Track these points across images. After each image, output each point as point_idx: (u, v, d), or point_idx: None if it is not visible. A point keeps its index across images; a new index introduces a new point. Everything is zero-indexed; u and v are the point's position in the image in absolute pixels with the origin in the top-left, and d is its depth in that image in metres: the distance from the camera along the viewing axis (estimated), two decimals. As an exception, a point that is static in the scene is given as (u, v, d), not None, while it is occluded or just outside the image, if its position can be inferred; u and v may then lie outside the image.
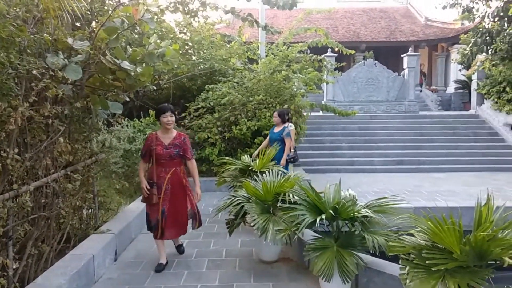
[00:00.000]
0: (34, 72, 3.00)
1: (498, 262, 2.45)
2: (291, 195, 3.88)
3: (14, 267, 3.14)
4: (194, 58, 10.19)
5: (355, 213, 3.29)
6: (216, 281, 3.91)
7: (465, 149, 11.64)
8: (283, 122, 6.44)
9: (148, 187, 4.03)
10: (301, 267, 4.20)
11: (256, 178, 4.54)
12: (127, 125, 7.11)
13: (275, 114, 6.46)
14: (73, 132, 4.41)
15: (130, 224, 5.09)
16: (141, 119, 8.59)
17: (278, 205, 3.92)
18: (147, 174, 4.17)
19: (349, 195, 3.67)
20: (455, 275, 2.49)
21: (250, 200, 4.17)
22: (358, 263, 3.23)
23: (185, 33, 10.39)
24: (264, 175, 4.54)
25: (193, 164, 4.26)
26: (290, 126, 6.41)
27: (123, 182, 5.42)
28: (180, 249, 4.65)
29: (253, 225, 3.92)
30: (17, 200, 3.24)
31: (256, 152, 6.68)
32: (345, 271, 3.16)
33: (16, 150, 3.14)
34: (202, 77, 9.89)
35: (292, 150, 6.40)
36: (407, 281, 2.60)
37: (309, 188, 3.56)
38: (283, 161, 6.14)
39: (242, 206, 4.18)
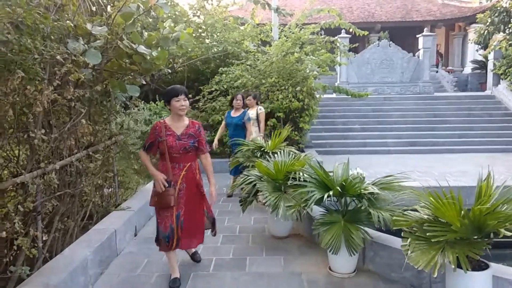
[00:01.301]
0: (58, 57, 3.19)
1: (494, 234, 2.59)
2: (301, 174, 4.05)
3: (44, 239, 3.39)
4: (207, 41, 10.32)
5: (362, 190, 3.44)
6: (230, 254, 4.13)
7: (479, 130, 11.58)
8: (245, 106, 6.42)
9: (166, 184, 3.29)
10: (310, 242, 4.39)
11: (268, 158, 4.72)
12: (143, 108, 7.33)
13: (239, 97, 6.21)
14: (93, 114, 4.63)
15: (148, 202, 5.32)
16: (156, 102, 8.80)
17: (288, 183, 4.10)
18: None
19: (357, 173, 3.81)
20: (454, 246, 2.64)
21: (262, 179, 4.35)
22: (364, 237, 3.40)
23: (198, 16, 10.51)
24: (276, 155, 4.71)
25: (207, 159, 3.56)
26: (260, 109, 6.46)
27: (141, 162, 5.65)
28: (196, 256, 3.97)
29: (265, 203, 4.11)
30: (45, 177, 3.47)
31: (216, 141, 6.54)
32: (351, 244, 3.33)
33: (43, 131, 3.35)
34: (216, 60, 10.03)
35: (262, 135, 6.35)
36: (409, 252, 2.76)
37: (318, 167, 3.72)
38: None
39: (255, 185, 4.36)
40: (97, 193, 4.76)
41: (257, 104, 6.56)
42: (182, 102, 3.32)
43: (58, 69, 3.56)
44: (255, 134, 6.32)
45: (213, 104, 8.46)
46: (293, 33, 8.88)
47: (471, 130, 11.66)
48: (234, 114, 6.15)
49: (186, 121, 3.46)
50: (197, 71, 10.25)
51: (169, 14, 8.31)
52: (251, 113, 6.35)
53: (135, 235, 4.77)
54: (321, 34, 9.80)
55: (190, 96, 8.85)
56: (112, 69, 4.63)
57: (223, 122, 6.59)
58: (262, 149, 5.46)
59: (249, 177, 4.44)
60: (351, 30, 10.10)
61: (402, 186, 3.51)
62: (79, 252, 3.51)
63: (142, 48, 4.21)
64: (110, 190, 5.19)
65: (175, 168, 3.37)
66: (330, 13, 10.02)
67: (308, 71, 8.46)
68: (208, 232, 3.79)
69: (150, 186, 5.98)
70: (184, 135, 3.37)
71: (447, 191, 2.76)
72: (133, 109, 6.35)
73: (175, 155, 3.35)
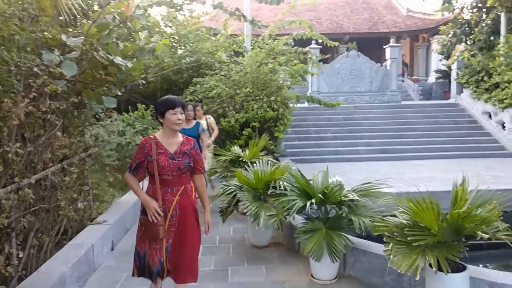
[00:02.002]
0: (35, 69, 3.11)
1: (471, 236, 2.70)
2: (281, 183, 4.09)
3: (21, 255, 3.27)
4: (180, 51, 10.29)
5: (343, 197, 3.51)
6: (212, 265, 4.11)
7: (445, 137, 12.02)
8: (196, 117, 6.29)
9: (161, 214, 2.73)
10: (291, 251, 4.42)
11: (247, 168, 4.74)
12: (115, 119, 7.21)
13: (190, 108, 5.91)
14: (67, 126, 4.53)
15: (124, 215, 5.23)
16: (129, 113, 8.67)
17: (269, 192, 4.13)
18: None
19: (336, 181, 3.89)
20: (433, 250, 2.73)
21: (242, 189, 4.36)
22: (346, 243, 3.46)
23: (170, 27, 10.48)
24: (254, 164, 4.74)
25: (202, 180, 3.02)
26: (209, 118, 6.57)
27: (116, 174, 5.54)
28: None
29: (246, 212, 4.12)
30: (19, 192, 3.36)
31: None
32: (334, 251, 3.39)
33: (18, 145, 3.25)
34: (188, 71, 10.01)
35: (213, 139, 6.46)
36: (391, 256, 2.84)
37: (299, 175, 3.77)
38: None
39: (235, 195, 4.37)
40: (72, 207, 4.64)
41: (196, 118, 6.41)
42: (178, 116, 2.75)
43: (32, 81, 3.48)
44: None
45: (188, 115, 8.41)
46: (266, 44, 9.00)
47: (437, 137, 12.09)
48: (186, 125, 5.55)
49: (180, 137, 2.90)
50: (170, 81, 10.20)
51: (142, 25, 8.24)
52: (202, 123, 6.25)
53: (112, 249, 4.66)
54: (292, 45, 9.97)
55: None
56: (87, 81, 4.55)
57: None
58: (240, 158, 5.48)
59: (229, 187, 4.44)
60: (321, 41, 10.32)
61: (381, 193, 3.61)
62: (56, 268, 3.40)
63: (118, 59, 4.17)
64: (84, 203, 5.06)
65: (167, 192, 2.79)
66: (301, 25, 10.21)
67: (281, 81, 8.58)
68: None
69: (126, 198, 5.90)
70: (178, 154, 2.81)
71: (422, 197, 2.86)
72: (106, 120, 6.25)
73: (167, 178, 2.77)
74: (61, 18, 4.44)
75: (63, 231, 4.37)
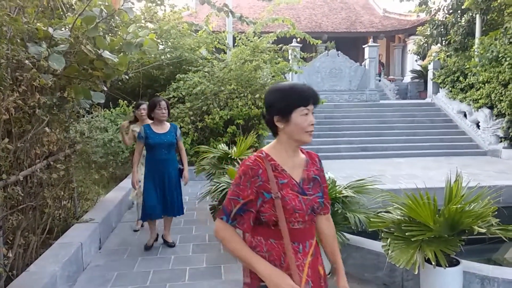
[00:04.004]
0: (26, 61, 3.00)
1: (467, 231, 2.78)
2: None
3: (10, 255, 3.16)
4: (161, 47, 10.16)
5: (337, 194, 3.54)
6: (204, 263, 4.08)
7: (423, 136, 12.32)
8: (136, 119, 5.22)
9: None
10: (283, 248, 4.43)
11: (237, 165, 4.71)
12: (97, 115, 7.06)
13: (164, 104, 4.36)
14: (52, 121, 4.40)
15: (110, 213, 5.13)
16: (111, 109, 8.51)
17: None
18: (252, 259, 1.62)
19: (329, 178, 3.91)
20: (430, 244, 2.79)
21: (234, 186, 4.33)
22: (342, 240, 3.49)
23: (151, 22, 10.32)
24: (244, 161, 4.72)
25: (331, 221, 1.90)
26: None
27: (101, 171, 5.43)
28: None
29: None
30: (8, 190, 3.24)
31: (136, 171, 4.50)
32: (329, 247, 3.40)
33: (7, 140, 3.13)
34: (170, 66, 9.89)
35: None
36: (389, 251, 2.89)
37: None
38: (186, 174, 4.56)
39: (226, 192, 4.33)
40: (58, 205, 4.51)
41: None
42: (311, 117, 1.63)
43: (19, 74, 3.36)
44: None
45: (171, 111, 8.31)
46: (251, 41, 8.98)
47: (415, 135, 12.38)
48: (159, 129, 4.34)
49: (301, 153, 1.76)
50: (150, 77, 10.04)
51: (129, 19, 8.11)
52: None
53: (100, 248, 4.56)
54: (271, 43, 9.97)
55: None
56: (72, 75, 4.43)
57: (140, 146, 4.47)
58: (228, 156, 5.45)
59: (221, 184, 4.40)
60: (299, 39, 10.37)
61: (376, 189, 3.66)
62: (47, 268, 3.30)
63: (107, 53, 4.07)
64: (69, 201, 4.93)
65: (297, 253, 1.65)
66: (284, 23, 10.24)
67: (266, 79, 8.59)
68: None
69: (109, 196, 5.77)
70: (306, 183, 1.68)
71: (420, 193, 2.92)
72: (87, 116, 6.11)
73: (296, 227, 1.63)
74: (41, 10, 4.30)
75: (48, 230, 4.26)
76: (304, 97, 1.62)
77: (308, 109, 1.62)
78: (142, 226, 5.26)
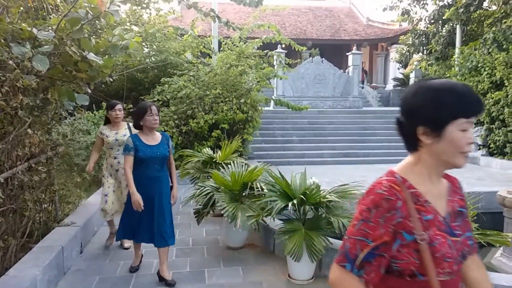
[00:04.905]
0: (10, 62, 2.96)
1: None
2: (259, 184, 4.11)
3: (-11, 259, 3.09)
4: (146, 50, 10.10)
5: (321, 198, 3.58)
6: (187, 267, 4.06)
7: (404, 142, 12.50)
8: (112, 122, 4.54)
9: None
10: (266, 252, 4.45)
11: (222, 170, 4.72)
12: (80, 117, 6.98)
13: (155, 109, 3.62)
14: (33, 123, 4.33)
15: (92, 217, 5.05)
16: (93, 112, 8.40)
17: (247, 193, 4.14)
18: None
19: (313, 183, 3.96)
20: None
21: (219, 190, 4.34)
22: (326, 244, 3.53)
23: (136, 25, 10.26)
24: (229, 166, 4.74)
25: (481, 268, 1.43)
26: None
27: (84, 175, 5.36)
28: None
29: (223, 213, 4.10)
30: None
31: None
32: (313, 251, 3.44)
33: (-12, 141, 3.08)
34: (154, 70, 9.84)
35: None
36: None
37: (279, 177, 3.81)
38: (175, 192, 3.83)
39: (211, 196, 4.34)
40: (38, 208, 4.44)
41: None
42: (471, 134, 1.24)
43: (2, 75, 3.31)
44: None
45: (156, 115, 8.27)
46: (237, 46, 9.01)
47: (397, 142, 12.53)
48: (149, 139, 3.62)
49: (444, 182, 1.35)
50: (134, 80, 9.97)
51: (115, 21, 8.07)
52: (123, 133, 4.44)
53: (81, 252, 4.49)
54: (256, 48, 10.03)
55: (130, 106, 8.61)
56: (56, 76, 4.38)
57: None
58: (213, 160, 5.45)
59: (205, 188, 4.40)
60: (290, 45, 10.45)
61: (359, 194, 3.71)
62: (27, 271, 3.24)
63: (92, 55, 4.04)
64: (50, 204, 4.86)
65: None
66: (270, 29, 10.31)
67: (251, 84, 8.62)
68: None
69: (91, 200, 5.68)
70: (453, 218, 1.28)
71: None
72: (69, 118, 6.04)
73: (442, 278, 1.19)
74: (24, 10, 4.25)
75: (28, 233, 4.18)
76: (468, 104, 1.20)
77: (470, 121, 1.21)
78: (124, 247, 4.57)
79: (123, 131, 4.47)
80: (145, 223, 3.62)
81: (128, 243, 4.52)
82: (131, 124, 4.47)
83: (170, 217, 3.71)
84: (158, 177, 3.64)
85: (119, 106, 4.51)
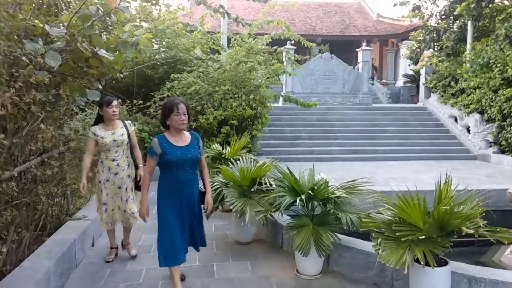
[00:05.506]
0: (24, 58, 3.02)
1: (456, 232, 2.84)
2: (267, 180, 4.14)
3: (4, 250, 3.17)
4: (156, 46, 10.17)
5: (330, 194, 3.60)
6: (197, 261, 4.11)
7: (414, 139, 12.44)
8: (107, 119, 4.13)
9: None
10: (275, 247, 4.49)
11: (231, 165, 4.76)
12: (91, 113, 7.06)
13: (183, 107, 3.20)
14: (47, 118, 4.40)
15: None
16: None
17: (255, 188, 4.17)
18: None
19: (322, 178, 3.98)
20: (420, 244, 2.86)
21: (228, 185, 4.38)
22: (333, 239, 3.55)
23: (146, 21, 10.33)
24: (238, 161, 4.77)
25: None
26: (130, 125, 4.27)
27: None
28: None
29: (232, 209, 4.14)
30: (2, 185, 3.25)
31: (145, 199, 3.36)
32: (321, 246, 3.47)
33: (2, 136, 3.14)
34: (164, 66, 9.90)
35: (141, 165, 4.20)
36: (380, 251, 2.95)
37: (287, 173, 3.83)
38: (210, 198, 3.47)
39: (220, 191, 4.38)
40: (51, 201, 4.52)
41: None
42: None
43: (16, 71, 3.37)
44: (129, 168, 4.15)
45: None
46: (246, 42, 9.02)
47: (407, 139, 12.49)
48: (178, 141, 3.25)
49: None
50: (144, 76, 10.03)
51: (125, 18, 8.14)
52: (121, 133, 4.10)
53: (92, 245, 4.57)
54: (265, 44, 10.03)
55: (140, 102, 8.67)
56: (67, 72, 4.45)
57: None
58: (222, 155, 5.49)
59: (215, 183, 4.45)
60: (299, 41, 10.45)
61: (368, 190, 3.72)
62: (40, 263, 3.31)
63: (103, 52, 4.09)
64: (62, 198, 4.94)
65: None
66: (279, 25, 10.30)
67: (260, 80, 8.64)
68: None
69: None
70: None
71: (410, 194, 2.99)
72: (81, 114, 6.11)
73: None
74: (36, 7, 4.31)
75: (41, 227, 4.26)
76: None
77: None
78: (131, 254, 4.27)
79: (120, 130, 4.09)
80: (182, 233, 3.30)
81: (113, 254, 4.22)
82: (127, 122, 4.23)
83: (202, 221, 3.51)
84: (191, 181, 3.31)
85: (115, 102, 4.11)
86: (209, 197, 3.43)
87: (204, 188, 3.45)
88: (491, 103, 11.27)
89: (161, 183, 3.28)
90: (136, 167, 4.22)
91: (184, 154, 3.20)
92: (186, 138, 3.29)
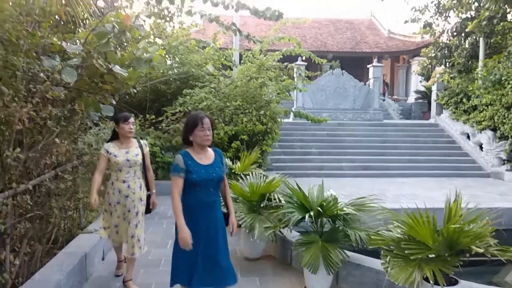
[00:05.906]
0: (41, 74, 3.13)
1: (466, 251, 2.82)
2: (276, 195, 4.16)
3: (17, 262, 3.22)
4: (169, 62, 10.36)
5: (339, 211, 3.60)
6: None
7: (425, 156, 12.35)
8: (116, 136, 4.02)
9: None
10: (284, 263, 4.47)
11: (241, 180, 4.79)
12: (104, 128, 7.19)
13: (207, 123, 2.92)
14: (62, 133, 4.51)
15: (114, 224, 5.18)
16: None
17: (265, 204, 4.19)
18: None
19: (331, 195, 3.98)
20: (429, 263, 2.84)
21: (237, 200, 4.40)
22: (342, 256, 3.54)
23: (159, 37, 10.55)
24: (247, 177, 4.80)
25: None
26: (145, 145, 4.09)
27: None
28: None
29: (241, 224, 4.16)
30: (17, 198, 3.32)
31: (183, 225, 2.84)
32: (330, 263, 3.46)
33: (19, 150, 3.23)
34: (177, 81, 10.06)
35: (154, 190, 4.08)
36: (389, 269, 2.93)
37: (296, 188, 3.85)
38: (234, 220, 3.18)
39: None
40: (63, 215, 4.59)
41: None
42: None
43: (33, 86, 3.48)
44: (141, 190, 3.93)
45: (177, 125, 8.45)
46: (257, 59, 9.15)
47: (418, 155, 12.41)
48: (202, 158, 2.95)
49: None
50: (157, 92, 10.21)
51: (140, 35, 8.34)
52: (135, 153, 3.89)
53: (103, 259, 4.62)
54: (276, 61, 10.16)
55: (153, 117, 8.78)
56: (83, 88, 4.56)
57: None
58: (232, 170, 5.53)
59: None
60: (310, 57, 10.55)
61: (377, 207, 3.72)
62: (52, 276, 3.36)
63: (117, 68, 4.20)
64: (74, 212, 5.01)
65: None
66: (290, 41, 10.43)
67: (270, 96, 8.73)
68: None
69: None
70: None
71: (419, 211, 2.98)
72: (94, 128, 6.23)
73: None
74: (54, 24, 4.45)
75: (53, 240, 4.32)
76: None
77: None
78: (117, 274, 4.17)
79: (135, 150, 3.88)
80: (204, 260, 2.91)
81: (122, 268, 4.13)
82: (143, 142, 4.04)
83: (227, 247, 3.07)
84: (214, 202, 3.00)
85: (132, 119, 3.90)
86: (233, 219, 3.13)
87: (227, 209, 3.17)
88: (504, 120, 11.18)
89: (184, 205, 2.87)
90: (148, 190, 3.98)
91: (208, 173, 2.91)
92: (209, 155, 3.00)
